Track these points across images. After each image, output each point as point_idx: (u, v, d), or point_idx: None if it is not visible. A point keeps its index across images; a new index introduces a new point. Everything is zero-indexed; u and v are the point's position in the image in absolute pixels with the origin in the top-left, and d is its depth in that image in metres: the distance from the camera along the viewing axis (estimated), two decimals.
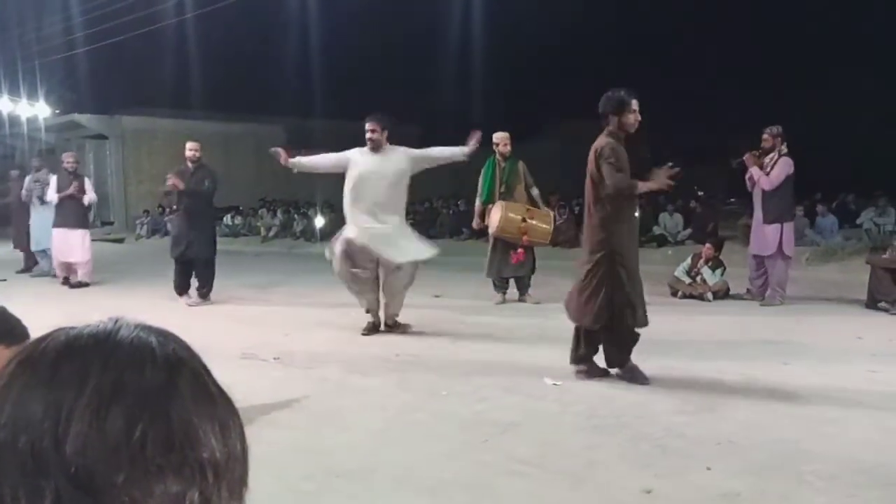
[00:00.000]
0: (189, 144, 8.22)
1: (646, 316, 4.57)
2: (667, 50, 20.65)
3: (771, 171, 7.28)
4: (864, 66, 18.60)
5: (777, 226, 7.35)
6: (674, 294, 7.95)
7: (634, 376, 4.56)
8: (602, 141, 4.55)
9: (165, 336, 0.58)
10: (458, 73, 23.76)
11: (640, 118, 4.57)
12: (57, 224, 9.65)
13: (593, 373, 4.70)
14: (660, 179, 4.59)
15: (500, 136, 7.84)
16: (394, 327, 6.35)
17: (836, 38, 18.76)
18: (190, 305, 7.98)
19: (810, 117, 17.77)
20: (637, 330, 4.58)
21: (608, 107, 4.56)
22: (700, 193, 13.49)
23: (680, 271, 8.09)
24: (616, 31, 21.59)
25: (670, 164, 4.66)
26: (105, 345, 0.54)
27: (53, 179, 9.97)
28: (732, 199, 15.99)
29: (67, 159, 10.02)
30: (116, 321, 0.57)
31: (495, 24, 21.29)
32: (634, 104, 4.53)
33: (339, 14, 22.10)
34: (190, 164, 8.12)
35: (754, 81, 20.04)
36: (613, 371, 4.68)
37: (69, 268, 9.71)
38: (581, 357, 4.71)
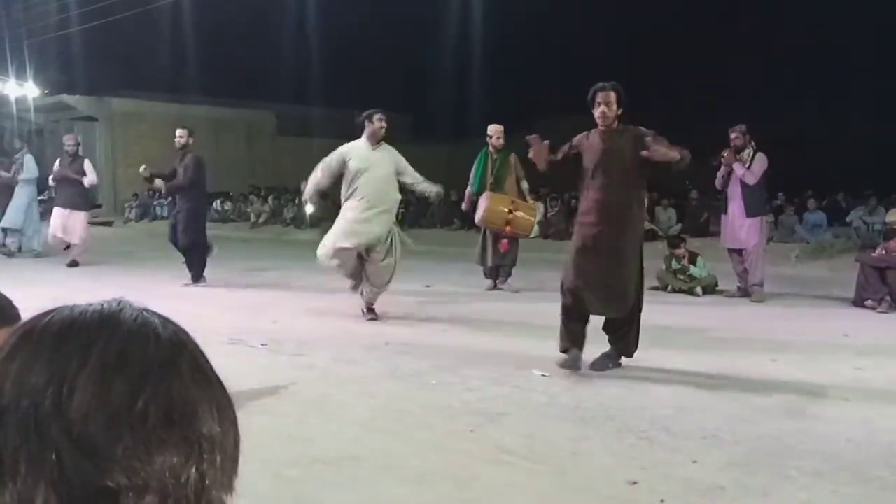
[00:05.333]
0: (178, 131, 8.20)
1: (568, 304, 4.65)
2: (661, 46, 20.63)
3: (750, 166, 7.40)
4: (858, 64, 18.66)
5: (757, 219, 7.55)
6: (663, 288, 7.97)
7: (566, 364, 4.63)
8: None
9: (167, 319, 0.59)
10: (452, 65, 23.69)
11: (605, 111, 4.55)
12: (58, 204, 9.80)
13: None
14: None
15: (494, 129, 7.95)
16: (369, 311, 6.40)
17: (830, 36, 18.80)
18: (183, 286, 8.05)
19: (802, 116, 17.83)
20: (567, 319, 4.67)
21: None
22: (691, 188, 13.48)
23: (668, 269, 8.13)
24: (612, 27, 21.56)
25: (535, 136, 4.68)
26: (109, 321, 0.56)
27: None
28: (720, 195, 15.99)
29: (68, 141, 10.20)
30: (120, 302, 0.58)
31: (491, 17, 21.22)
32: (598, 97, 4.57)
33: (333, 1, 21.96)
34: (180, 150, 8.14)
35: (747, 79, 20.07)
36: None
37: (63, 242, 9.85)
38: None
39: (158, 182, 8.27)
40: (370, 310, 6.38)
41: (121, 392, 0.51)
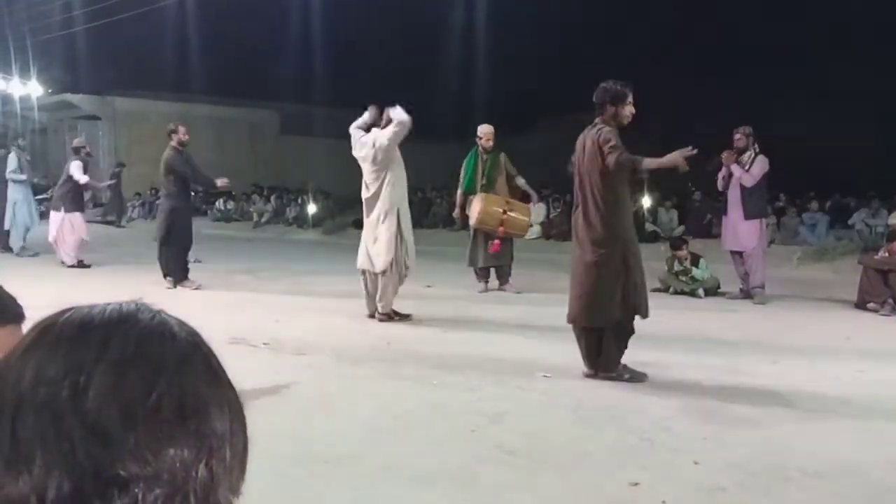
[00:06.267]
0: (184, 128, 8.04)
1: (647, 308, 4.54)
2: (661, 45, 20.62)
3: (750, 168, 7.39)
4: (859, 64, 18.60)
5: (756, 222, 7.53)
6: (665, 290, 7.96)
7: (633, 376, 4.48)
8: (599, 127, 4.47)
9: (183, 322, 0.61)
10: (455, 65, 23.69)
11: (634, 111, 4.53)
12: (82, 209, 9.96)
13: (635, 376, 4.49)
14: (673, 156, 4.40)
15: (484, 131, 7.84)
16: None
17: (831, 36, 18.79)
18: (196, 289, 7.88)
19: (803, 116, 17.78)
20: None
21: (606, 97, 4.47)
22: (694, 190, 13.47)
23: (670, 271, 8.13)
24: (612, 27, 21.54)
25: (691, 147, 4.44)
26: (128, 320, 0.58)
27: (76, 164, 9.94)
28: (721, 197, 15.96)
29: (84, 144, 10.35)
30: (137, 304, 0.61)
31: (493, 18, 21.23)
32: (631, 97, 4.49)
33: (336, 0, 21.97)
34: (182, 148, 8.03)
35: (748, 79, 20.03)
36: (602, 374, 4.51)
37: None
38: (607, 361, 4.51)
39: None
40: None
41: (136, 384, 0.53)
